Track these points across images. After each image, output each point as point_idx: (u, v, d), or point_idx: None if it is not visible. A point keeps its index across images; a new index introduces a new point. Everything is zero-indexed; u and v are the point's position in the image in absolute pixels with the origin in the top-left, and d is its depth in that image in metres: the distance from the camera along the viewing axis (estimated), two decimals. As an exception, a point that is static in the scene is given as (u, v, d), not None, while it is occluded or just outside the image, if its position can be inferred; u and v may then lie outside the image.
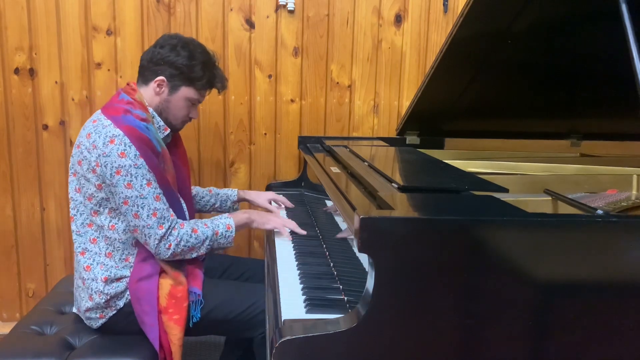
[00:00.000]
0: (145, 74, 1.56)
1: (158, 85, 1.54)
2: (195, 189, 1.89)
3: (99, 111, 1.50)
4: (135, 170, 1.40)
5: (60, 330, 1.53)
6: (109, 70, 2.20)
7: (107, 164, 1.39)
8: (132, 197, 1.40)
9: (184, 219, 1.57)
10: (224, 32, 2.23)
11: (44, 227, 2.28)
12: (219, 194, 1.91)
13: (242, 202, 1.96)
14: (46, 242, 2.30)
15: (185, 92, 1.56)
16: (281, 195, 1.95)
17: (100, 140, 1.40)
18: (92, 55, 2.18)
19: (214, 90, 1.66)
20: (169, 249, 1.45)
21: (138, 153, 1.41)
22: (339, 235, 1.59)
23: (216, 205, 1.91)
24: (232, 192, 1.93)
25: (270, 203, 1.91)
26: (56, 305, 1.67)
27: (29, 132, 2.21)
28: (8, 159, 2.22)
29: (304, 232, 1.59)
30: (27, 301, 2.33)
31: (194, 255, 1.51)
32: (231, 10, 2.22)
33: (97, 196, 1.44)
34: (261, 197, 1.93)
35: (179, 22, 2.20)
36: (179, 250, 1.46)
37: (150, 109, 1.54)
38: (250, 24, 2.24)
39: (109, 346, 1.45)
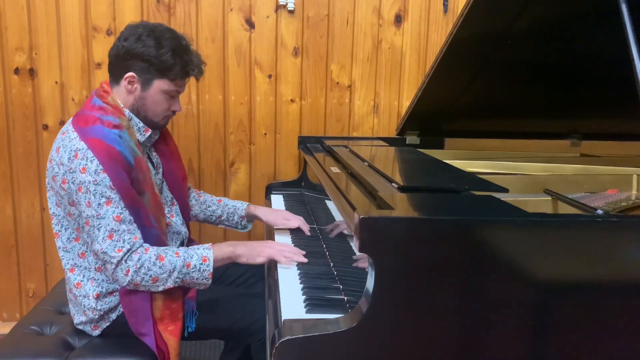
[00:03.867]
0: (114, 72, 1.42)
1: (129, 82, 1.40)
2: (204, 196, 1.78)
3: (70, 121, 1.39)
4: (94, 187, 1.28)
5: (60, 330, 1.53)
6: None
7: (73, 180, 1.29)
8: (91, 217, 1.29)
9: (159, 241, 1.39)
10: (224, 32, 2.23)
11: (44, 227, 2.28)
12: (227, 205, 1.75)
13: (252, 218, 1.76)
14: (46, 242, 2.30)
15: (159, 84, 1.41)
16: (300, 217, 1.67)
17: (66, 155, 1.30)
18: (92, 55, 2.18)
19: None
20: (126, 275, 1.29)
21: (100, 168, 1.28)
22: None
23: (222, 218, 1.76)
24: (241, 205, 1.75)
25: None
26: (56, 305, 1.67)
27: (29, 132, 2.21)
28: (8, 159, 2.22)
29: (305, 260, 1.38)
30: (27, 301, 2.33)
31: (160, 288, 1.33)
32: (231, 10, 2.22)
33: (74, 213, 1.36)
34: (273, 215, 1.70)
35: (179, 22, 2.20)
36: (138, 278, 1.30)
37: (127, 111, 1.42)
38: (250, 24, 2.24)
39: (109, 347, 1.44)
